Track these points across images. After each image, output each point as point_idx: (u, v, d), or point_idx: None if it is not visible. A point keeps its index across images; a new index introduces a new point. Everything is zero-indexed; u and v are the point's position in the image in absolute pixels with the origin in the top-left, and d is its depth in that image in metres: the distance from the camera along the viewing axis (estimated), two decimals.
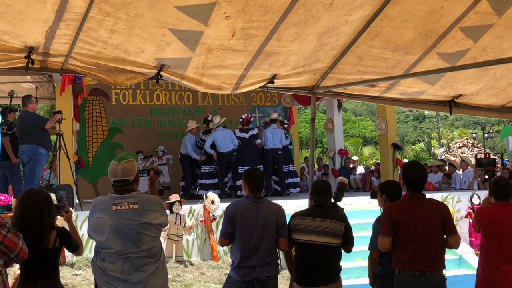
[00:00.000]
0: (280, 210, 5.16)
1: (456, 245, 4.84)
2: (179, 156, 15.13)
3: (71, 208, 5.61)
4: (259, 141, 14.64)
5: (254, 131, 14.55)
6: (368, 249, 5.35)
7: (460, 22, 5.58)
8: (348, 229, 5.05)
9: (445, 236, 4.78)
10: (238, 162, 14.14)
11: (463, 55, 6.10)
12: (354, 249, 5.27)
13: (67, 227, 4.98)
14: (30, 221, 4.47)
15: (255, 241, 5.01)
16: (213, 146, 14.17)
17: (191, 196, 14.08)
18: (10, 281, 4.46)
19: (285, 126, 15.75)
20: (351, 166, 18.69)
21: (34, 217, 4.49)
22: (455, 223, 12.29)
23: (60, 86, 12.32)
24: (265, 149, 14.59)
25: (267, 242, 5.04)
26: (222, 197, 13.11)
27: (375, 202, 5.61)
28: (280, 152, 14.74)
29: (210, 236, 10.76)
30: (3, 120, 10.03)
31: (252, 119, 15.15)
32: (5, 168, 10.87)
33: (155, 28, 5.06)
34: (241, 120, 14.67)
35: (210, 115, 15.27)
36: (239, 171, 13.69)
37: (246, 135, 14.30)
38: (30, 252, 4.19)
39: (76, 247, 4.82)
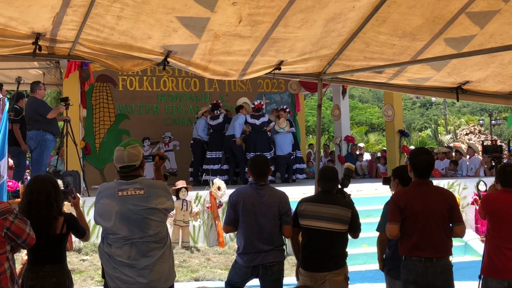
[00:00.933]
0: (283, 197, 5.18)
1: (461, 234, 4.85)
2: (192, 141, 15.14)
3: (78, 194, 5.64)
4: (272, 124, 14.68)
5: (265, 118, 14.52)
6: (377, 231, 5.36)
7: (468, 8, 5.55)
8: (355, 216, 5.06)
9: (451, 225, 4.79)
10: (246, 148, 14.15)
11: (470, 41, 6.07)
12: (360, 235, 5.28)
13: (74, 213, 5.01)
14: (38, 208, 4.50)
15: (258, 228, 5.05)
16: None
17: (198, 181, 14.12)
18: (18, 267, 4.48)
19: (287, 110, 15.66)
20: (357, 152, 18.68)
21: (41, 204, 4.51)
22: (461, 209, 12.40)
23: (66, 71, 12.33)
24: (277, 155, 14.64)
25: (270, 229, 5.08)
26: (229, 183, 13.14)
27: (381, 188, 5.64)
28: (292, 157, 14.89)
29: (216, 222, 10.80)
30: (11, 106, 10.06)
31: (264, 106, 15.12)
32: (12, 154, 10.91)
33: (162, 14, 5.06)
34: (253, 106, 14.66)
35: (220, 101, 15.24)
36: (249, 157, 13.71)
37: (257, 122, 14.28)
38: (37, 238, 4.22)
39: (83, 233, 4.84)
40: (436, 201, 4.76)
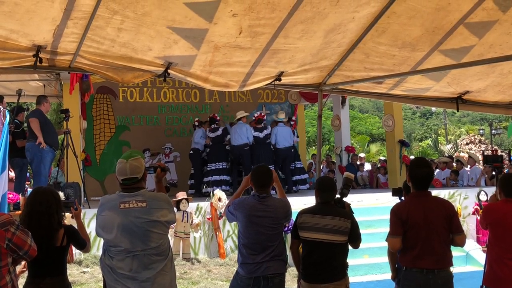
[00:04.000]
0: (285, 208, 5.17)
1: (462, 244, 4.85)
2: (191, 152, 15.11)
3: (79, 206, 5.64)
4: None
5: (268, 130, 14.55)
6: (386, 241, 5.34)
7: (467, 19, 5.57)
8: (354, 226, 5.05)
9: (451, 235, 4.78)
10: (252, 160, 14.14)
11: (469, 51, 6.09)
12: (361, 246, 5.26)
13: (75, 224, 5.01)
14: (39, 219, 4.48)
15: (260, 239, 5.03)
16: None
17: (199, 193, 14.10)
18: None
19: (292, 123, 15.74)
20: (358, 163, 18.67)
21: (42, 215, 4.50)
22: (462, 219, 12.37)
23: (69, 84, 12.37)
24: (276, 148, 14.61)
25: (273, 240, 5.06)
26: (231, 194, 13.12)
27: (382, 199, 5.60)
28: (292, 150, 14.79)
29: (217, 233, 10.79)
30: (11, 119, 10.07)
31: (265, 117, 15.15)
32: (15, 166, 10.93)
33: (162, 26, 5.08)
34: (253, 118, 14.66)
35: (217, 115, 15.23)
36: None
37: (261, 135, 14.30)
38: (38, 250, 4.20)
39: (84, 245, 4.83)
40: (435, 211, 4.76)
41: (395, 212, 4.86)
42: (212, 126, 14.73)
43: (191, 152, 15.02)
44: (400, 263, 4.89)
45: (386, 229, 5.07)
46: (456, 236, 4.77)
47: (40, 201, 4.55)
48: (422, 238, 4.70)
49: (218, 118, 15.05)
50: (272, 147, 14.60)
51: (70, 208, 5.04)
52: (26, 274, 4.66)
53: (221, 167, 14.38)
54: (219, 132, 14.57)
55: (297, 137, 16.25)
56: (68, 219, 6.72)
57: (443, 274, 4.70)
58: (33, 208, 4.53)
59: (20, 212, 8.34)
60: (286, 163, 14.80)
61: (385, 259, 5.04)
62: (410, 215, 4.75)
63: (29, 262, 4.45)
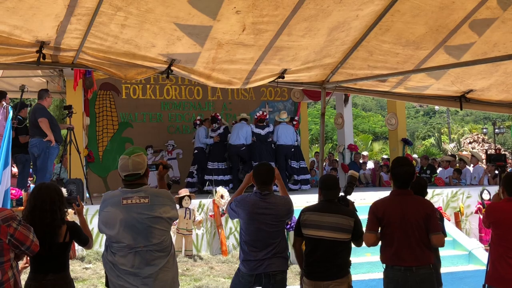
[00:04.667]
0: (286, 205, 5.18)
1: (439, 243, 4.89)
2: (195, 151, 15.13)
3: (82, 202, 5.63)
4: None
5: (270, 128, 14.59)
6: None
7: (472, 17, 5.56)
8: (357, 224, 5.05)
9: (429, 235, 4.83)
10: (251, 157, 14.17)
11: (473, 50, 6.08)
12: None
13: (77, 221, 5.01)
14: (42, 216, 4.49)
15: (262, 236, 5.04)
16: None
17: (201, 190, 14.14)
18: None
19: (294, 123, 15.75)
20: (360, 161, 18.65)
21: (45, 212, 4.51)
22: (464, 218, 12.33)
23: (73, 81, 12.37)
24: (278, 145, 14.60)
25: (274, 237, 5.07)
26: (233, 192, 13.12)
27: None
28: (292, 149, 14.79)
29: (220, 230, 10.79)
30: (14, 115, 10.07)
31: (267, 117, 15.13)
32: (18, 162, 10.94)
33: (165, 22, 5.07)
34: (256, 117, 14.68)
35: (218, 114, 15.24)
36: None
37: (262, 132, 14.33)
38: (40, 246, 4.20)
39: (86, 241, 4.84)
40: (413, 210, 4.83)
41: (372, 209, 5.00)
42: (214, 125, 14.74)
43: (196, 151, 15.04)
44: (381, 261, 4.99)
45: None
46: (433, 235, 4.80)
47: (43, 197, 4.56)
48: (398, 237, 4.80)
49: (219, 117, 15.05)
50: (273, 145, 14.61)
51: (73, 204, 5.04)
52: (28, 270, 4.66)
53: (222, 167, 14.40)
54: (221, 130, 14.59)
55: (299, 136, 16.27)
56: (71, 215, 6.72)
57: (422, 271, 4.77)
58: (36, 204, 4.54)
59: (22, 208, 8.35)
60: (286, 160, 14.80)
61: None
62: (386, 213, 4.87)
63: (32, 258, 4.46)
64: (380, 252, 5.00)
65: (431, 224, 4.82)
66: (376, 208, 4.97)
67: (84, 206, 5.37)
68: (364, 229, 5.06)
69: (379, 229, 4.93)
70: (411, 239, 4.77)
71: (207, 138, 14.80)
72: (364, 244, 5.06)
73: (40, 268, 4.53)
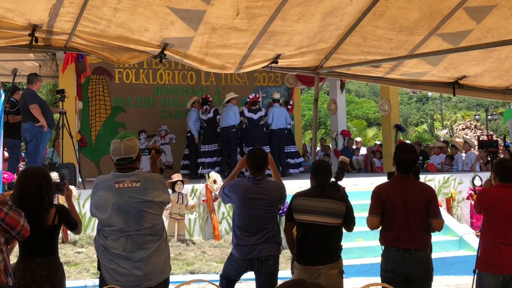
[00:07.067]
0: (279, 190, 5.20)
1: (438, 228, 4.99)
2: (188, 134, 15.18)
3: (71, 187, 5.61)
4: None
5: (262, 112, 14.61)
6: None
7: (466, 3, 5.54)
8: (349, 210, 5.08)
9: (429, 219, 4.92)
10: (243, 142, 14.19)
11: (467, 36, 6.07)
12: (356, 229, 5.31)
13: (67, 206, 5.00)
14: (29, 201, 4.47)
15: (255, 221, 5.06)
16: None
17: (195, 174, 14.17)
18: None
19: (289, 107, 15.74)
20: (353, 147, 18.70)
21: (33, 197, 4.49)
22: (456, 204, 12.40)
23: (63, 63, 12.29)
24: (271, 129, 14.62)
25: (267, 222, 5.09)
26: (225, 174, 13.14)
27: (376, 183, 5.61)
28: (286, 132, 14.80)
29: (212, 215, 10.81)
30: (7, 98, 10.02)
31: (259, 99, 15.10)
32: (7, 146, 10.88)
33: (159, 6, 5.04)
34: (248, 100, 14.67)
35: (209, 96, 15.23)
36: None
37: (255, 116, 14.33)
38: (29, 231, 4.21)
39: (75, 225, 4.83)
40: (415, 195, 4.93)
41: (375, 193, 5.08)
42: (204, 107, 14.74)
43: (188, 134, 15.08)
44: (380, 243, 5.05)
45: None
46: (433, 220, 4.92)
47: (30, 182, 4.53)
48: (400, 220, 4.89)
49: (210, 98, 15.03)
50: (265, 129, 14.61)
51: (63, 190, 5.02)
52: (18, 253, 4.65)
53: (213, 149, 14.49)
54: (211, 114, 14.61)
55: (292, 119, 16.28)
56: (62, 199, 6.71)
57: (419, 254, 4.87)
58: (24, 190, 4.52)
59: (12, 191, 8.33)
60: (280, 145, 14.81)
61: (379, 242, 5.12)
62: (389, 197, 4.95)
63: (21, 242, 4.45)
64: (380, 234, 5.07)
65: (432, 209, 4.92)
66: (379, 192, 5.05)
67: (76, 190, 5.36)
68: (367, 212, 5.11)
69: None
70: (412, 223, 4.86)
71: (195, 123, 14.85)
72: (366, 228, 5.10)
73: (29, 252, 4.52)
